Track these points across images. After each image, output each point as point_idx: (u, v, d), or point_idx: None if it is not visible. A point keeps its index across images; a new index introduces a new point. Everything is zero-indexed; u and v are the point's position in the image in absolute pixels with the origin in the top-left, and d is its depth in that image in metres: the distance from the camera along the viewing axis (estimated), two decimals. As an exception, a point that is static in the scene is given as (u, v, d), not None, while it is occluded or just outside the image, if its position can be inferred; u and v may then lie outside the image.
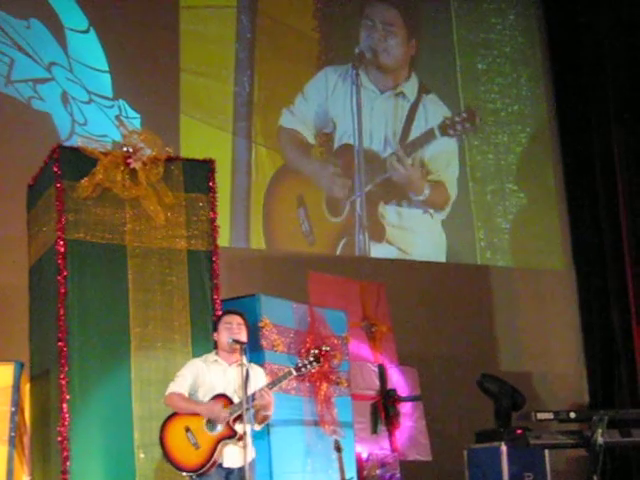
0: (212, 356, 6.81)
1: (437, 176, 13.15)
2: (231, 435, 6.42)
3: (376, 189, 12.62)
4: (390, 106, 12.93)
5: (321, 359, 6.72)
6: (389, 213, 12.66)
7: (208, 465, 6.40)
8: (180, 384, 6.67)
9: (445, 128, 13.23)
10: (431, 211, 12.96)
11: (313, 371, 8.02)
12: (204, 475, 6.43)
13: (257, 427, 6.72)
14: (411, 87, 13.17)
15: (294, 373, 6.68)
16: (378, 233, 12.54)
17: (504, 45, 14.12)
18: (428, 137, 13.07)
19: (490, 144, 13.65)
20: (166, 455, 6.52)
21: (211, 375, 6.68)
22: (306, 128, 12.31)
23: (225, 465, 6.48)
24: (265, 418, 6.66)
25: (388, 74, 13.06)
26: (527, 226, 13.71)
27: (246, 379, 6.29)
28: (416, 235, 12.81)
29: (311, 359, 6.67)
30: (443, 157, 13.25)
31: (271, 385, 6.62)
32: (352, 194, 12.39)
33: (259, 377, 6.79)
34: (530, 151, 13.98)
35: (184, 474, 6.50)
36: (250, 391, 6.40)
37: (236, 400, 6.48)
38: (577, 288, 13.80)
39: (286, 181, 12.05)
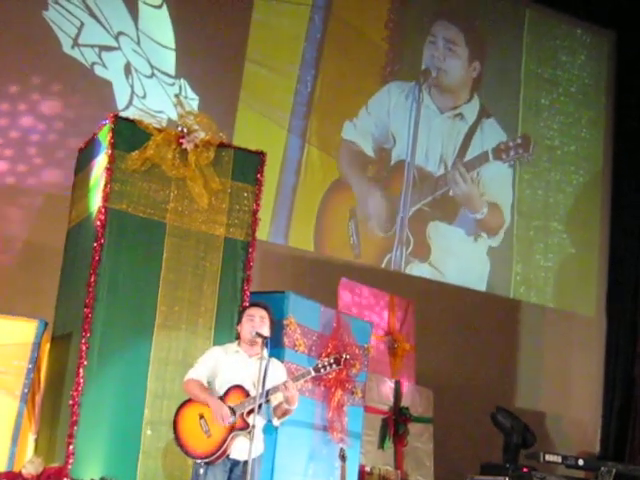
0: (234, 346, 6.74)
1: (494, 198, 13.15)
2: (244, 427, 6.37)
3: (428, 208, 12.59)
4: (448, 126, 12.90)
5: (341, 363, 6.66)
6: (438, 234, 12.65)
7: (218, 454, 6.37)
8: (199, 371, 6.62)
9: (499, 152, 13.18)
10: (484, 235, 12.92)
11: (331, 376, 8.04)
12: (210, 464, 6.41)
13: (276, 422, 6.65)
14: (471, 109, 13.14)
15: (312, 373, 6.63)
16: (423, 253, 12.51)
17: (570, 84, 14.06)
18: (481, 160, 13.03)
19: (541, 180, 13.59)
20: (177, 439, 6.49)
21: (230, 365, 6.61)
22: (366, 142, 12.31)
23: (232, 456, 6.43)
24: (286, 412, 6.57)
25: (449, 94, 13.03)
26: (566, 268, 13.63)
27: (265, 373, 6.24)
28: (460, 260, 12.78)
29: (331, 361, 6.62)
30: (497, 182, 13.23)
31: (294, 380, 6.56)
32: (402, 211, 12.36)
33: (279, 372, 6.70)
34: (580, 194, 13.90)
35: (197, 461, 6.46)
36: (268, 385, 6.36)
37: (253, 392, 6.41)
38: (605, 337, 13.72)
39: (341, 193, 12.05)
